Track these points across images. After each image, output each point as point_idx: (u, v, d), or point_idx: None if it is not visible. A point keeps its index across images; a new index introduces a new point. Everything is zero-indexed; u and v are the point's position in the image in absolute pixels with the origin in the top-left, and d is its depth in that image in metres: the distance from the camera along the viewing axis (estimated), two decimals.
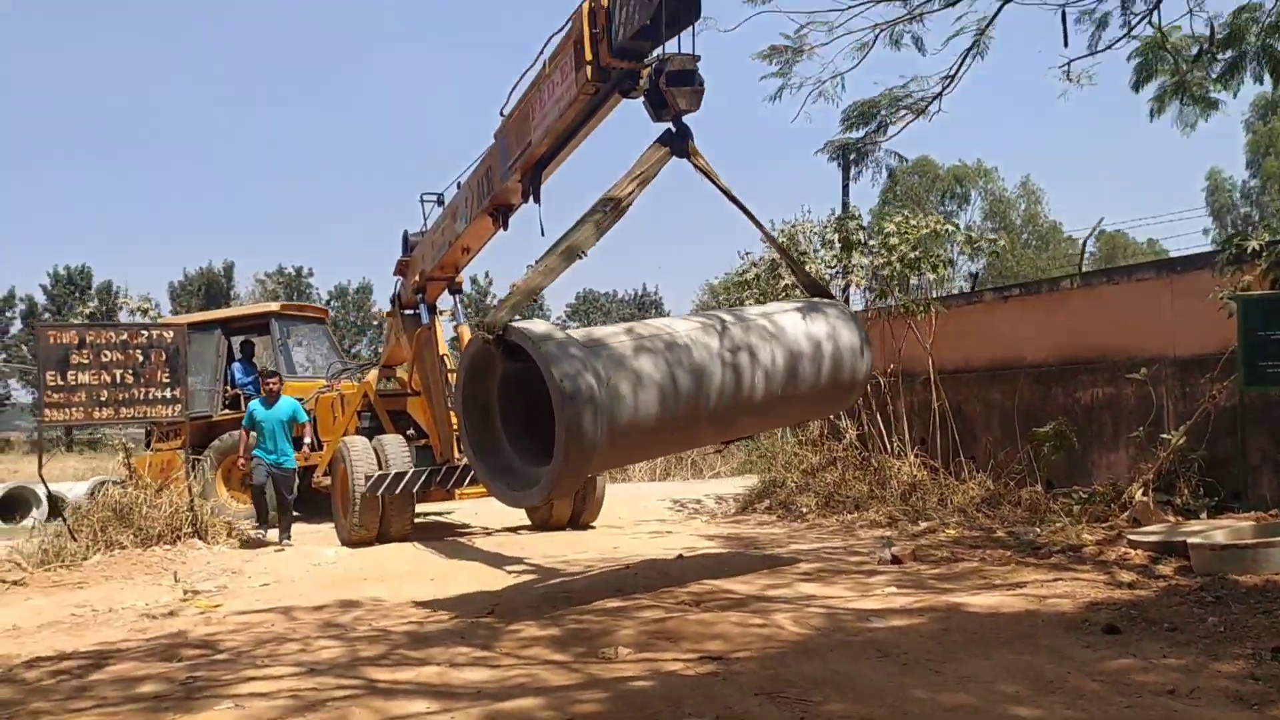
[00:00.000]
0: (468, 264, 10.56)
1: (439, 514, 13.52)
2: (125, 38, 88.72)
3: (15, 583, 8.96)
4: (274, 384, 11.24)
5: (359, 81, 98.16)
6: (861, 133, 10.91)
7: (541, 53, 7.33)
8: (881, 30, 9.91)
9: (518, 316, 6.55)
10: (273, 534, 11.23)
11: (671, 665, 5.07)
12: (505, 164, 8.28)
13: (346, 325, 67.60)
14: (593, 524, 11.47)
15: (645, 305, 70.87)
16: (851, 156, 11.30)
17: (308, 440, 11.60)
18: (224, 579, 8.98)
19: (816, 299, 7.87)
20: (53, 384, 10.51)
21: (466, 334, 11.33)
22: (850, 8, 9.55)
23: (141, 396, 10.90)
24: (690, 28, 6.28)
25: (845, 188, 17.05)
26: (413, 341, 11.20)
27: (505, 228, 9.23)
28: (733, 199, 7.19)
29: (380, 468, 10.53)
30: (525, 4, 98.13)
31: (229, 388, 13.97)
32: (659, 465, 19.87)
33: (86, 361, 10.65)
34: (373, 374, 12.79)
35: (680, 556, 8.78)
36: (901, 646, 5.23)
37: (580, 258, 6.49)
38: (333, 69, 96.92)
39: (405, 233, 11.25)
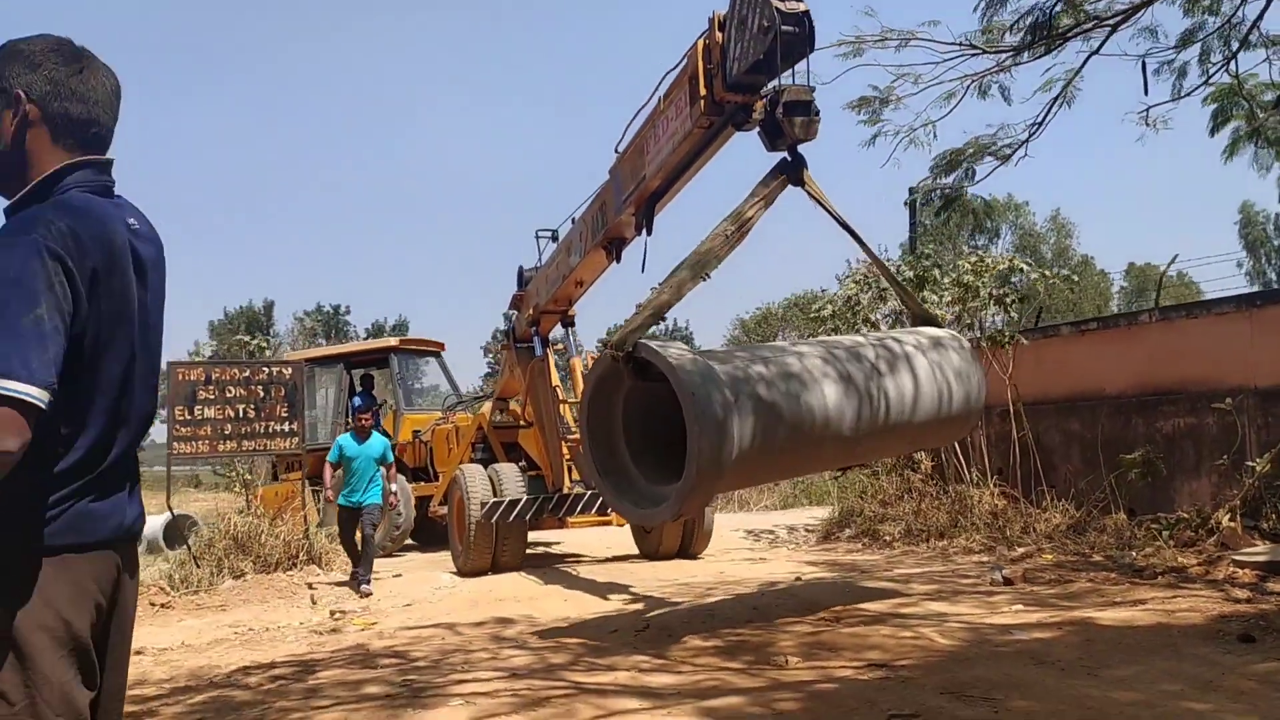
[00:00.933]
0: (580, 297, 10.86)
1: (546, 545, 13.93)
2: (170, 79, 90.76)
3: (163, 605, 9.50)
4: (367, 420, 10.65)
5: (399, 126, 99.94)
6: (950, 178, 11.39)
7: (656, 89, 7.66)
8: (971, 81, 10.44)
9: (645, 335, 6.70)
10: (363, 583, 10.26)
11: (842, 672, 5.53)
12: (619, 198, 8.58)
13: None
14: (701, 554, 11.66)
15: (675, 335, 71.59)
16: (941, 203, 11.74)
17: (393, 487, 10.94)
18: (360, 601, 9.50)
19: (932, 328, 7.96)
20: (181, 418, 11.13)
21: (579, 367, 11.78)
22: (943, 60, 10.08)
23: (262, 430, 11.53)
24: (805, 59, 6.46)
25: (913, 225, 17.53)
26: (526, 374, 11.62)
27: (619, 260, 9.53)
28: (845, 226, 7.32)
29: (495, 495, 10.81)
30: (551, 56, 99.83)
31: (349, 420, 14.54)
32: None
33: (212, 397, 11.29)
34: (487, 406, 13.14)
35: (799, 580, 9.23)
36: (1052, 655, 5.67)
37: (705, 279, 6.75)
38: (377, 115, 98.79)
39: (520, 268, 11.75)
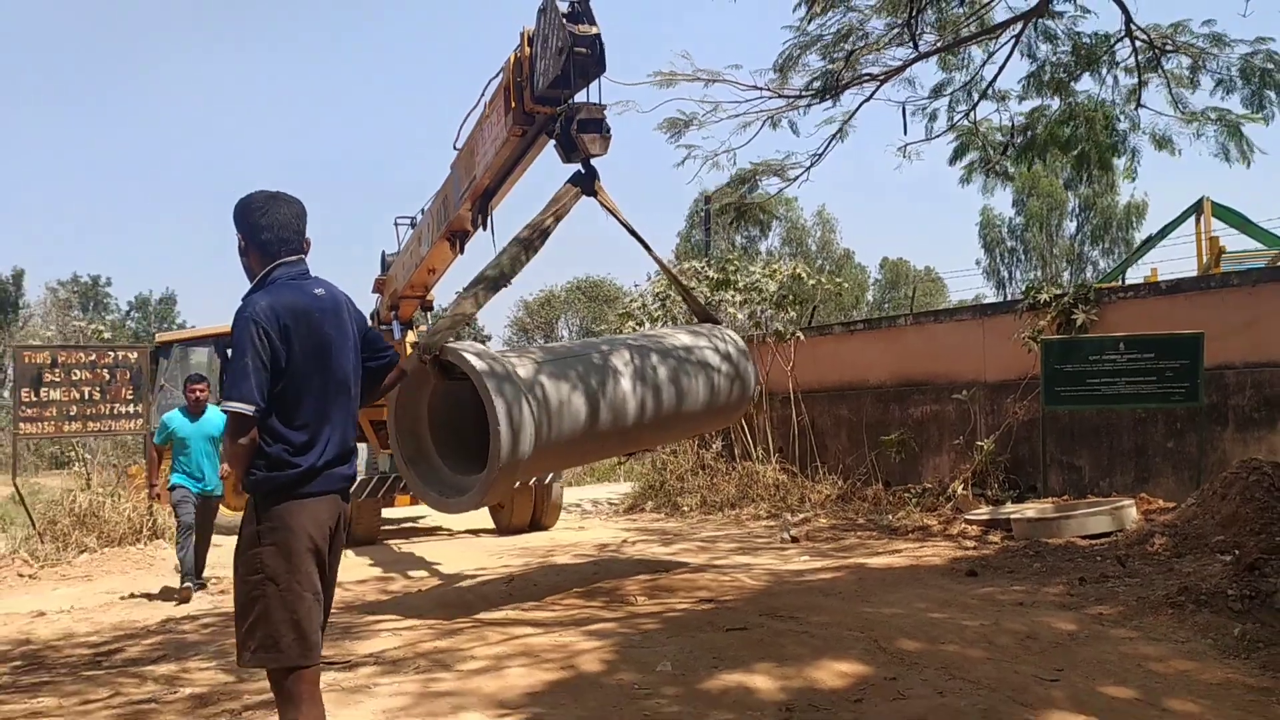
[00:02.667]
0: (435, 284, 11.47)
1: (412, 520, 14.45)
2: None
3: (30, 576, 10.00)
4: (200, 391, 9.11)
5: (151, 85, 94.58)
6: (743, 190, 13.20)
7: (483, 94, 8.05)
8: (766, 116, 12.24)
9: (451, 339, 7.04)
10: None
11: (681, 605, 7.10)
12: (457, 194, 9.00)
13: (149, 337, 65.27)
14: (551, 526, 12.48)
15: (455, 321, 71.74)
16: (733, 214, 13.52)
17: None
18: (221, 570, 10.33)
19: (709, 325, 8.57)
20: (27, 400, 11.47)
21: None
22: (744, 101, 11.83)
23: (107, 412, 11.97)
24: (598, 79, 6.91)
25: (707, 230, 19.48)
26: None
27: (462, 253, 9.91)
28: (634, 234, 7.80)
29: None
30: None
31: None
32: None
33: (58, 380, 11.66)
34: None
35: (625, 541, 10.79)
36: (836, 589, 7.47)
37: (505, 286, 7.30)
38: (125, 72, 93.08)
39: (383, 253, 12.48)
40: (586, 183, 7.29)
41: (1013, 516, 9.44)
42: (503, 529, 12.54)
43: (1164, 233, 16.42)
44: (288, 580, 3.25)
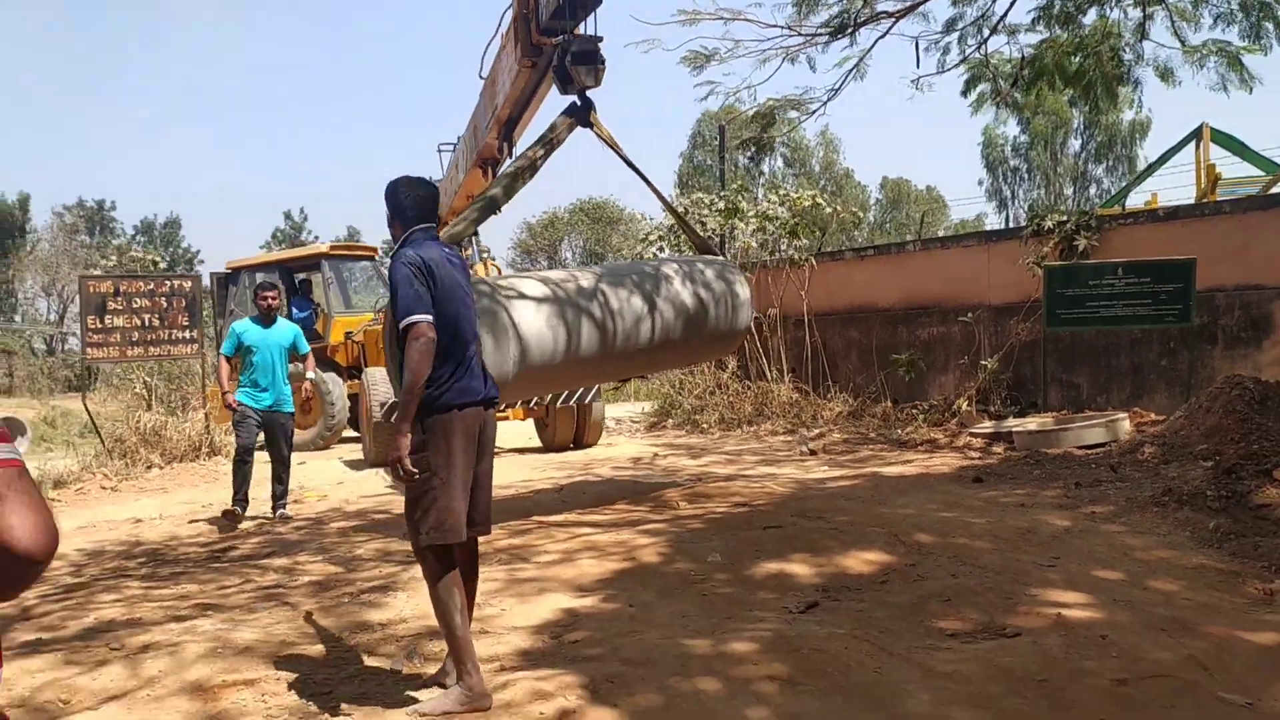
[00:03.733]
0: None
1: None
2: None
3: (112, 489, 10.87)
4: (272, 297, 8.83)
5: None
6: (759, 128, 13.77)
7: (499, 24, 8.11)
8: (785, 53, 12.78)
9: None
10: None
11: (719, 509, 7.94)
12: (484, 123, 9.18)
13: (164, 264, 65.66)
14: (593, 444, 12.97)
15: (462, 243, 72.16)
16: (753, 148, 14.11)
17: (310, 375, 9.24)
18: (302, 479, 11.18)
19: (706, 256, 8.72)
20: (93, 327, 12.23)
21: (482, 271, 13.24)
22: (765, 40, 12.36)
23: (166, 337, 12.76)
24: (595, 9, 7.04)
25: (722, 159, 20.01)
26: None
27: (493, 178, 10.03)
28: (632, 166, 7.94)
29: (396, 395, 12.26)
30: None
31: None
32: None
33: (120, 307, 12.42)
34: None
35: (657, 455, 11.66)
36: (856, 494, 8.32)
37: (496, 212, 7.56)
38: None
39: (430, 180, 13.07)
40: (581, 114, 7.44)
41: (1014, 430, 10.28)
42: (548, 446, 13.14)
43: (1164, 158, 16.98)
44: (447, 475, 4.05)
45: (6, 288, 61.11)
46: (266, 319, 8.75)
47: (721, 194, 16.50)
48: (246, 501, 8.57)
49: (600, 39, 7.16)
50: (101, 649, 4.93)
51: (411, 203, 4.34)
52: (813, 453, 11.16)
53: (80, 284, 12.33)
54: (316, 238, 65.79)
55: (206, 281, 15.75)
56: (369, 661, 4.77)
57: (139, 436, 12.47)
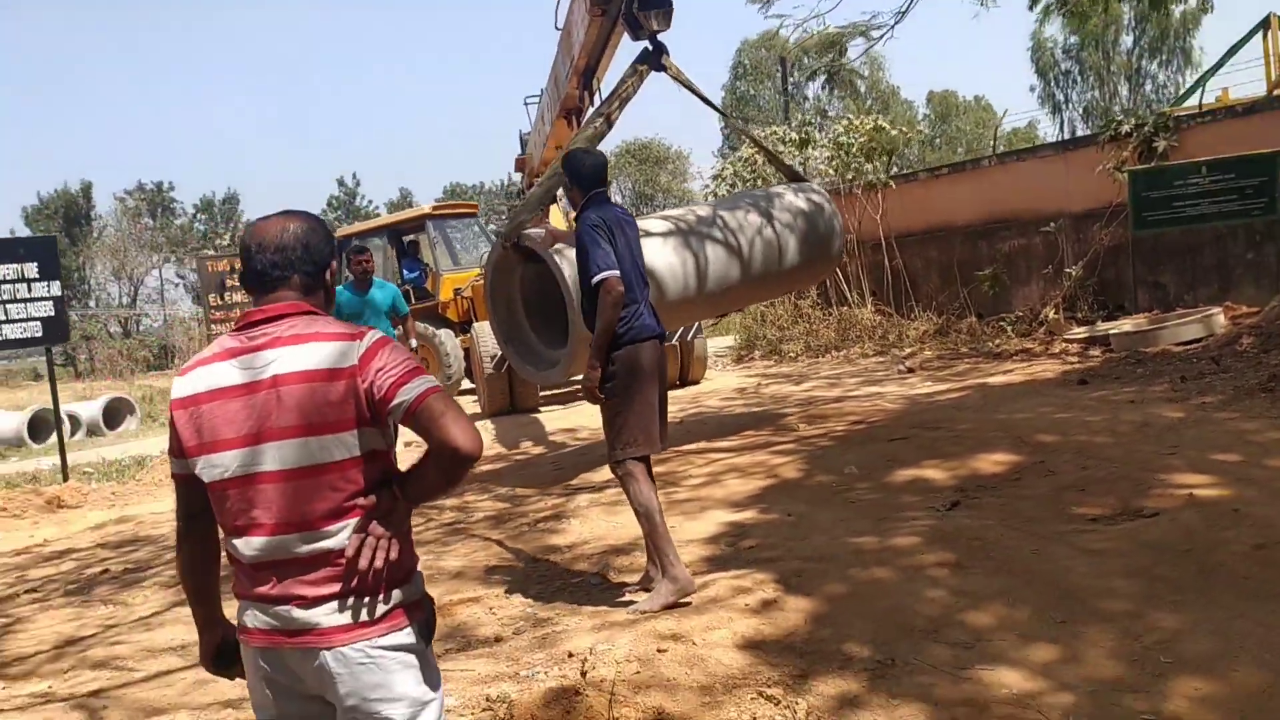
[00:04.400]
0: None
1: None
2: None
3: None
4: (366, 260, 8.58)
5: None
6: (828, 57, 14.02)
7: None
8: None
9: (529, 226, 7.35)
10: None
11: (839, 427, 8.43)
12: (564, 73, 9.29)
13: (218, 239, 66.82)
14: (700, 379, 13.10)
15: (511, 194, 72.49)
16: (824, 76, 14.36)
17: (413, 342, 9.09)
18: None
19: (797, 184, 8.73)
20: (215, 304, 12.97)
21: (557, 218, 13.48)
22: None
23: None
24: None
25: (785, 91, 20.16)
26: None
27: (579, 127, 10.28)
28: (710, 104, 8.23)
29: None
30: None
31: (402, 285, 15.39)
32: None
33: (238, 284, 13.10)
34: None
35: (761, 384, 12.15)
36: (967, 404, 8.75)
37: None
38: None
39: (520, 132, 13.40)
40: (654, 59, 7.43)
41: (1111, 332, 10.60)
42: None
43: (1232, 51, 16.81)
44: (638, 398, 4.61)
45: (79, 275, 62.84)
46: (363, 284, 8.43)
47: (795, 126, 16.74)
48: None
49: None
50: None
51: (589, 170, 4.87)
52: (910, 371, 11.57)
53: (199, 264, 13.08)
54: (370, 202, 66.71)
55: None
56: (570, 578, 5.36)
57: None
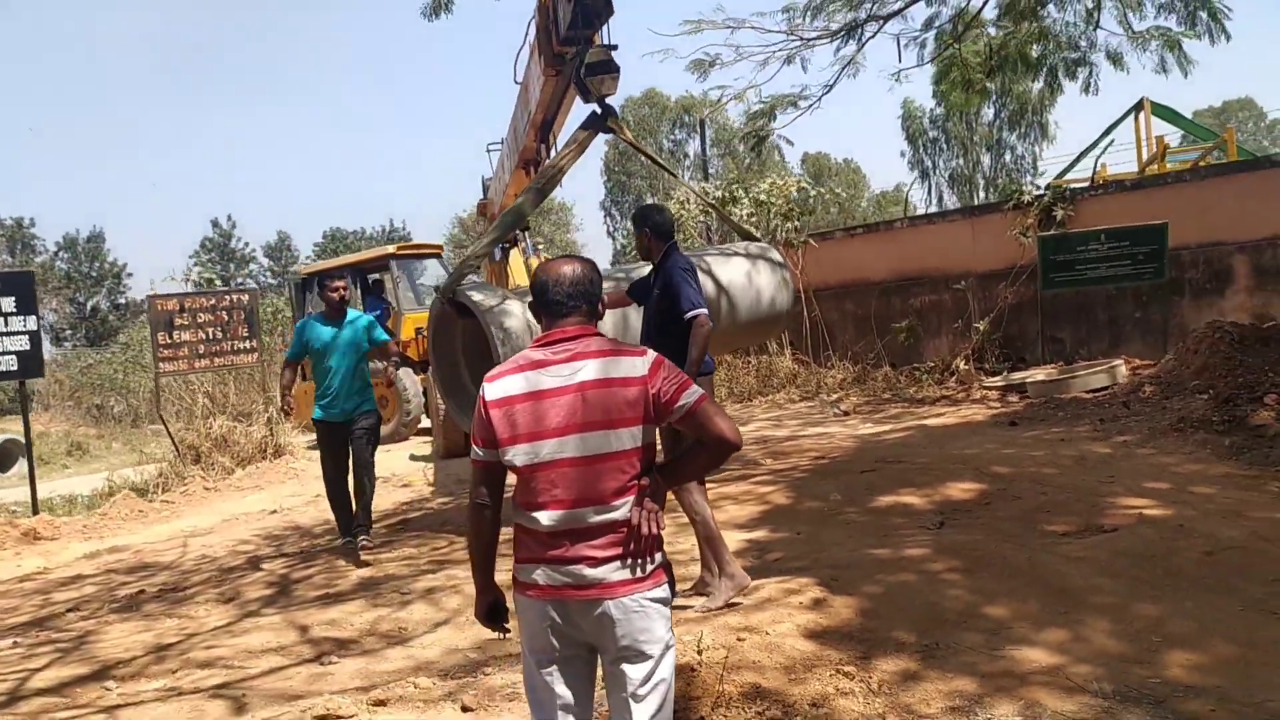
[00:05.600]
0: None
1: None
2: None
3: (209, 488, 11.76)
4: (342, 288, 7.67)
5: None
6: (761, 124, 15.06)
7: (526, 32, 8.46)
8: (782, 55, 14.07)
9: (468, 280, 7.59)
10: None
11: (804, 462, 9.22)
12: (522, 126, 9.52)
13: (81, 278, 64.51)
14: None
15: (394, 239, 71.84)
16: (754, 140, 15.38)
17: (394, 359, 8.29)
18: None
19: (748, 244, 8.92)
20: (163, 342, 13.05)
21: (534, 263, 13.97)
22: (768, 44, 13.67)
23: (229, 348, 13.61)
24: (607, 20, 7.23)
25: (704, 150, 21.23)
26: (490, 276, 13.73)
27: None
28: (660, 164, 8.75)
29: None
30: None
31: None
32: None
33: (186, 323, 13.23)
34: None
35: None
36: (915, 442, 9.68)
37: (525, 227, 8.13)
38: None
39: (483, 177, 13.80)
40: (600, 122, 7.63)
41: (1027, 380, 11.77)
42: None
43: (1107, 132, 18.69)
44: None
45: None
46: (337, 313, 7.56)
47: (720, 185, 17.74)
48: (362, 526, 7.44)
49: (614, 47, 7.43)
50: (394, 594, 6.06)
51: (667, 225, 5.58)
52: (846, 414, 12.51)
53: (149, 303, 13.12)
54: (248, 244, 65.43)
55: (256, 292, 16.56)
56: None
57: (211, 442, 13.30)
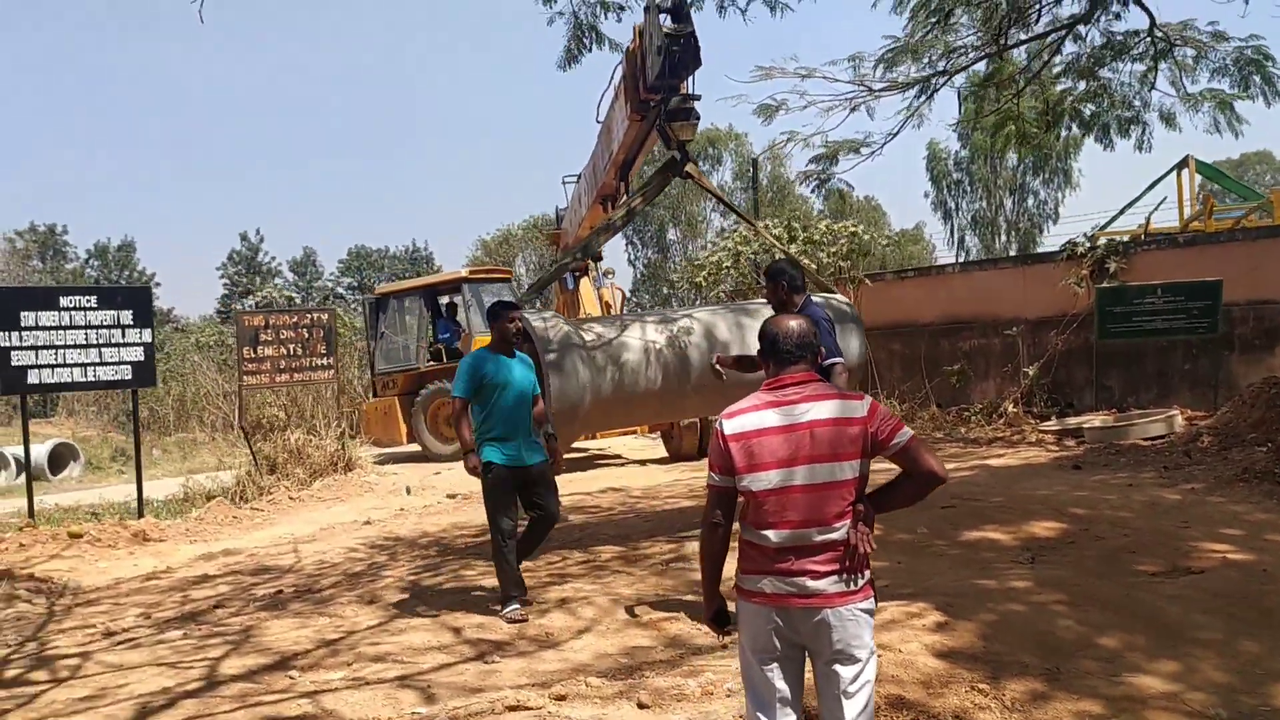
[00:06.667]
0: None
1: (580, 450, 15.89)
2: None
3: (294, 498, 12.22)
4: (515, 320, 6.72)
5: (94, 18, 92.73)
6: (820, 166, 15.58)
7: (612, 77, 8.94)
8: (848, 104, 14.62)
9: (533, 308, 8.91)
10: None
11: None
12: (602, 164, 10.02)
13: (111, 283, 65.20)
14: None
15: (417, 259, 72.54)
16: (815, 183, 15.89)
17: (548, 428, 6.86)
18: (442, 487, 12.64)
19: (825, 294, 9.35)
20: (249, 357, 13.55)
21: (606, 296, 14.50)
22: (833, 93, 14.20)
23: (308, 364, 14.10)
24: (695, 69, 7.70)
25: (755, 191, 21.74)
26: (561, 305, 14.20)
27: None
28: (733, 209, 9.27)
29: None
30: None
31: (435, 341, 16.63)
32: None
33: (270, 339, 13.74)
34: None
35: None
36: (981, 481, 10.09)
37: (594, 258, 8.53)
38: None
39: (556, 208, 14.35)
40: (678, 168, 8.09)
41: (1084, 425, 12.21)
42: (674, 455, 14.39)
43: (1151, 187, 19.19)
44: None
45: None
46: (509, 347, 6.68)
47: (780, 223, 18.29)
48: (523, 587, 6.45)
49: (697, 98, 7.91)
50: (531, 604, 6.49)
51: (799, 278, 6.01)
52: None
53: (236, 318, 13.65)
54: (274, 258, 66.27)
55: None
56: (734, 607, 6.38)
57: (287, 454, 13.77)
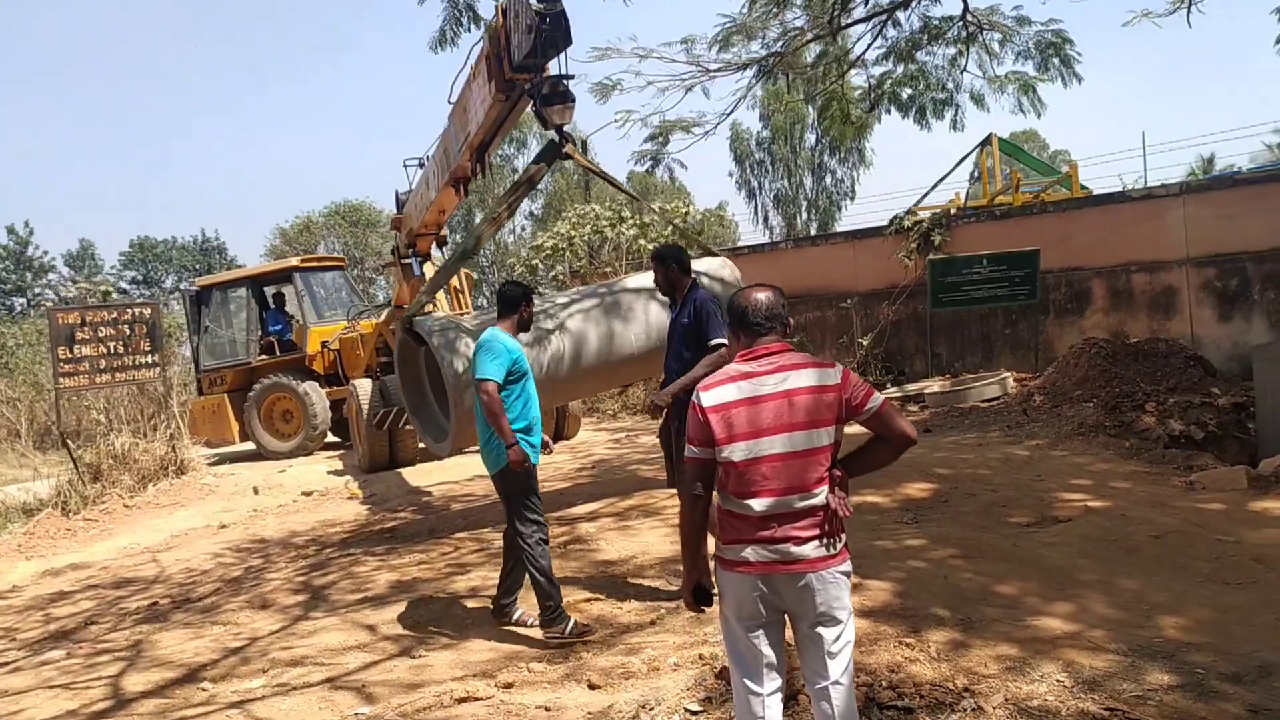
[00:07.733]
0: (446, 221, 12.07)
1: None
2: None
3: (129, 506, 11.44)
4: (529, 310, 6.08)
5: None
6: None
7: (468, 57, 8.58)
8: (683, 84, 14.82)
9: (426, 310, 8.23)
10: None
11: None
12: (456, 145, 9.51)
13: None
14: (573, 436, 13.85)
15: (209, 250, 68.66)
16: (650, 163, 16.05)
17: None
18: (291, 485, 12.12)
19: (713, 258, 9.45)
20: (64, 357, 12.56)
21: (454, 282, 13.91)
22: (675, 75, 14.37)
23: (130, 363, 13.19)
24: (565, 49, 7.41)
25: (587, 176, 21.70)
26: (408, 290, 13.57)
27: (466, 196, 10.62)
28: (619, 186, 8.75)
29: (386, 404, 12.56)
30: None
31: (265, 334, 15.55)
32: None
33: (87, 337, 12.77)
34: (386, 314, 14.02)
35: (627, 437, 13.40)
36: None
37: (473, 257, 8.54)
38: None
39: (397, 192, 13.62)
40: (557, 151, 7.94)
41: (925, 391, 12.85)
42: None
43: (958, 164, 20.34)
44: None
45: None
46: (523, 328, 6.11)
47: (607, 206, 18.38)
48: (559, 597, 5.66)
49: (570, 77, 7.67)
50: (438, 595, 6.32)
51: (689, 261, 6.08)
52: None
53: (50, 316, 12.59)
54: (47, 253, 61.26)
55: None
56: (647, 583, 6.42)
57: (112, 460, 12.86)
